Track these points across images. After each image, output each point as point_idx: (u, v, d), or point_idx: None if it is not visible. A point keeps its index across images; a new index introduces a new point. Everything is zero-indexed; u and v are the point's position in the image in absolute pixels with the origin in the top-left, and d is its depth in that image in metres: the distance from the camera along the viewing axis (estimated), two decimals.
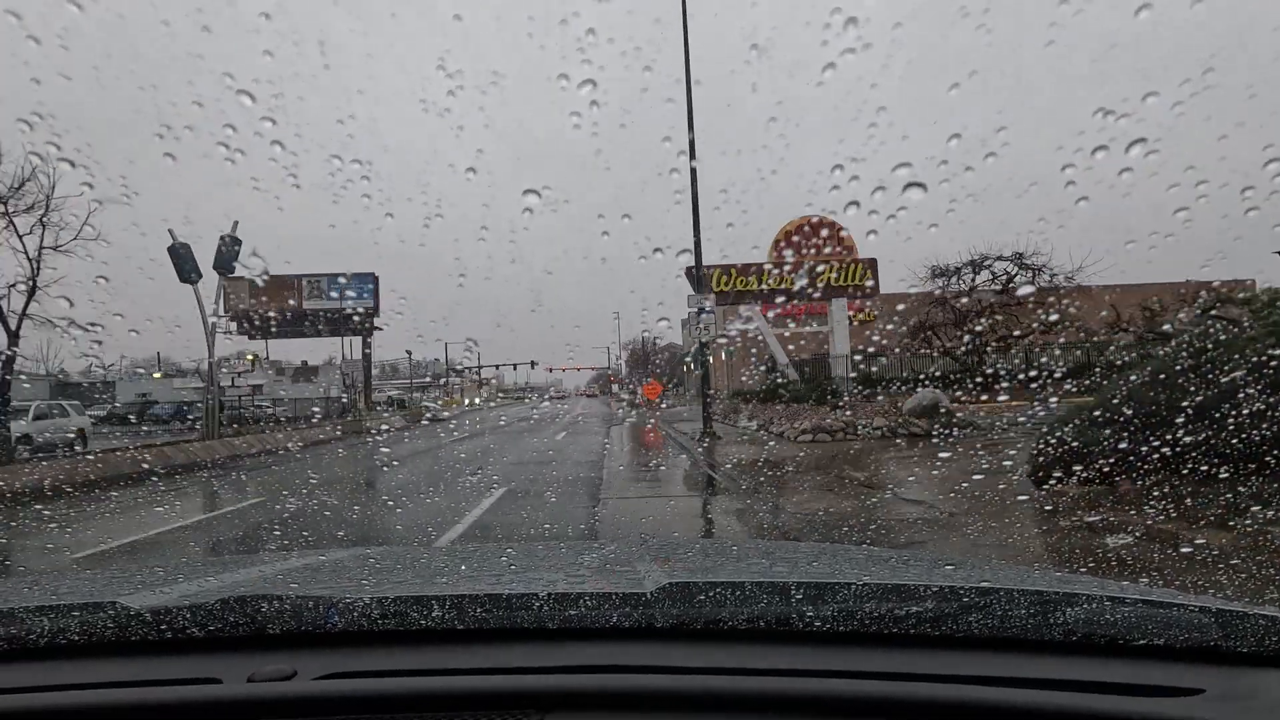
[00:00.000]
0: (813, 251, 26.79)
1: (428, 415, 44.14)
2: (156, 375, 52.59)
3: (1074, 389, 10.77)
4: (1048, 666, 1.02)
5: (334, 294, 42.98)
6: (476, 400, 73.31)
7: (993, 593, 1.14)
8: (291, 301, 42.95)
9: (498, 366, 67.90)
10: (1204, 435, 5.52)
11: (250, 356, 43.90)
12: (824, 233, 26.31)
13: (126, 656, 1.12)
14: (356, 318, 44.20)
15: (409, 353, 68.56)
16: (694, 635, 1.13)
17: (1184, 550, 4.84)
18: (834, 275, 25.96)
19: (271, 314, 41.62)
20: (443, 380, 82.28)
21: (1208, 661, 1.03)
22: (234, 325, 41.76)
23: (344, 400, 45.68)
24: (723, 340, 30.56)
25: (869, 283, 26.33)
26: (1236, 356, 6.03)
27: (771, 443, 16.90)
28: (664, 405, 42.34)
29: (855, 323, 27.91)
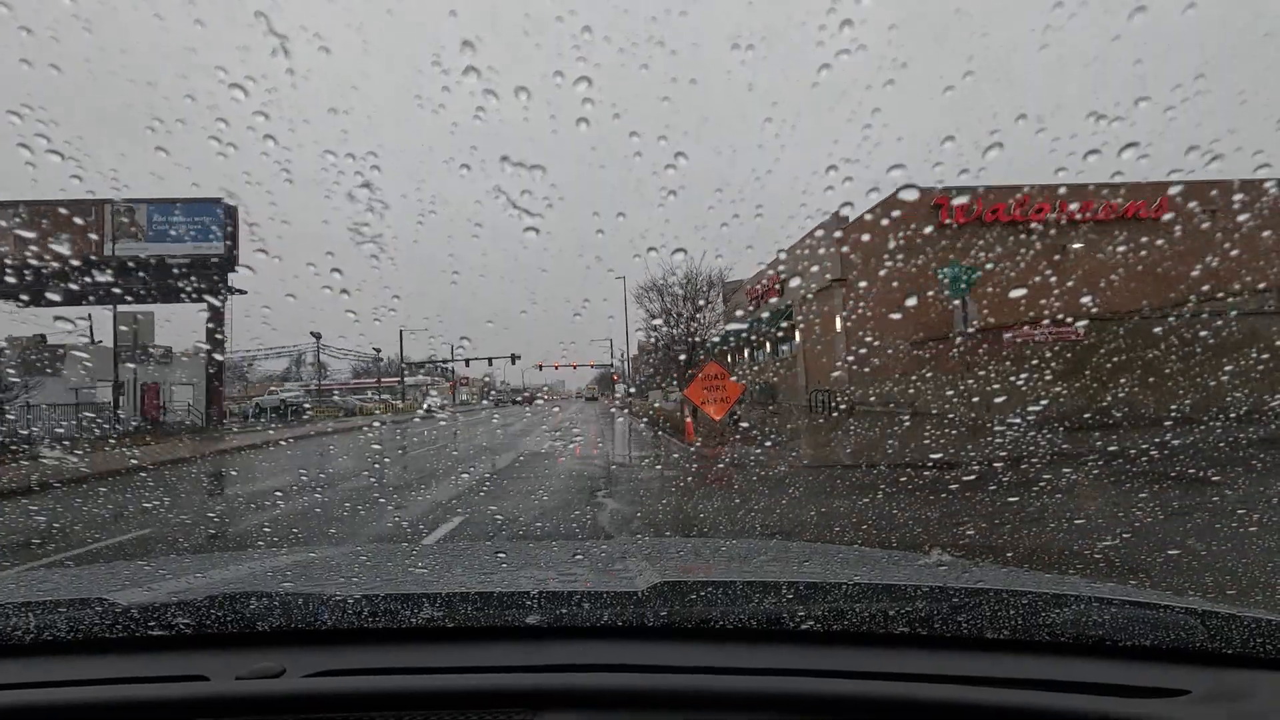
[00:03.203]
0: None
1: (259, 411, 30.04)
2: None
3: None
4: (1035, 667, 1.03)
5: (161, 231, 27.52)
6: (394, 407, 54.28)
7: (982, 593, 1.14)
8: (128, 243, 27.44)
9: (468, 362, 52.17)
10: None
11: None
12: None
13: (114, 654, 1.11)
14: (192, 270, 27.69)
15: (317, 336, 48.78)
16: (686, 634, 1.13)
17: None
18: None
19: (55, 264, 23.11)
20: (391, 379, 64.71)
21: (1193, 662, 1.04)
22: None
23: (119, 410, 26.19)
24: None
25: None
26: None
27: None
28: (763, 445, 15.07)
29: None
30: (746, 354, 36.63)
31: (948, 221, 20.59)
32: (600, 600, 1.17)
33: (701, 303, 27.14)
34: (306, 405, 45.41)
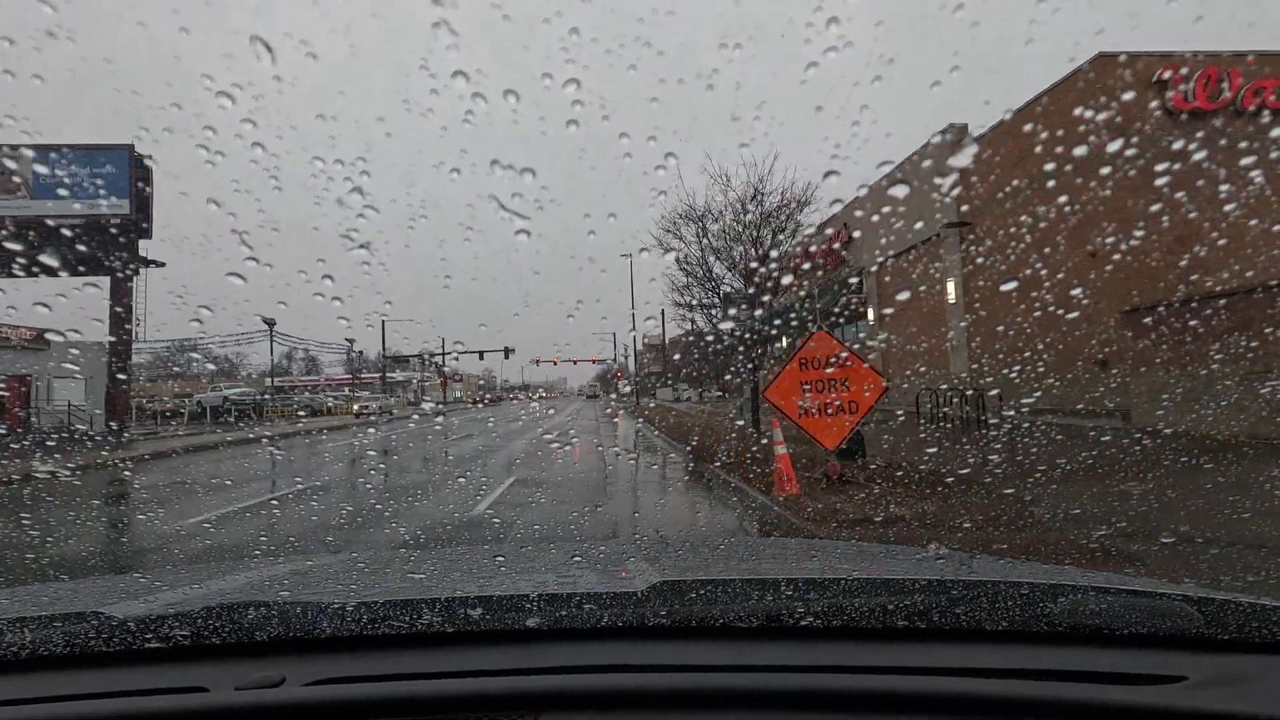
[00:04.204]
0: None
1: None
2: None
3: None
4: (1034, 657, 1.03)
5: (48, 185, 21.55)
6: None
7: (980, 585, 1.15)
8: None
9: (458, 356, 47.33)
10: None
11: None
12: None
13: (111, 667, 1.10)
14: (89, 234, 21.33)
15: (269, 322, 40.52)
16: (686, 633, 1.13)
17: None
18: None
19: None
20: (374, 375, 58.21)
21: (1190, 649, 1.05)
22: None
23: None
24: None
25: None
26: None
27: None
28: None
29: None
30: (784, 341, 22.78)
31: (1181, 106, 11.68)
32: (600, 601, 1.17)
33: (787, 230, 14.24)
34: (256, 403, 38.20)
